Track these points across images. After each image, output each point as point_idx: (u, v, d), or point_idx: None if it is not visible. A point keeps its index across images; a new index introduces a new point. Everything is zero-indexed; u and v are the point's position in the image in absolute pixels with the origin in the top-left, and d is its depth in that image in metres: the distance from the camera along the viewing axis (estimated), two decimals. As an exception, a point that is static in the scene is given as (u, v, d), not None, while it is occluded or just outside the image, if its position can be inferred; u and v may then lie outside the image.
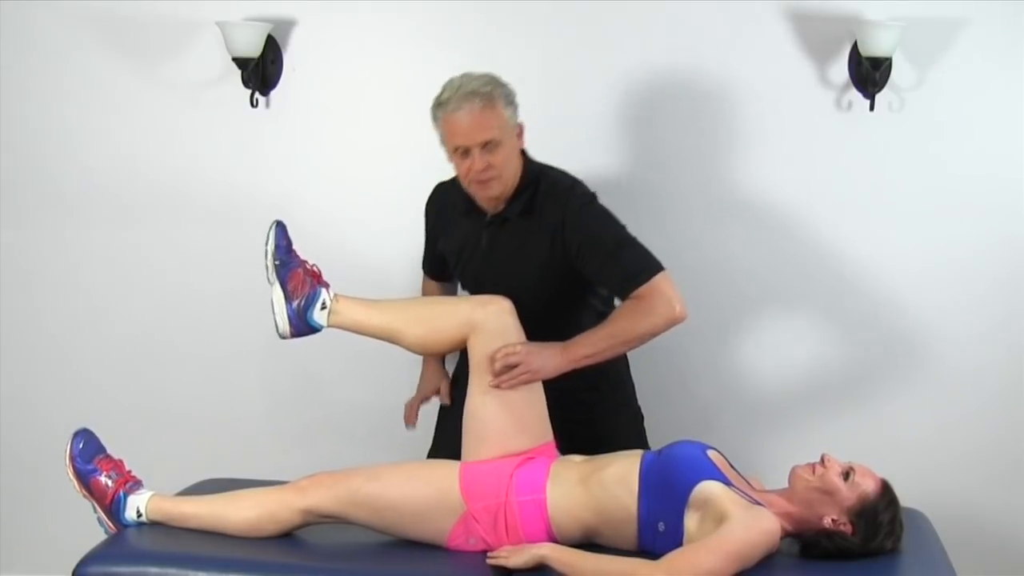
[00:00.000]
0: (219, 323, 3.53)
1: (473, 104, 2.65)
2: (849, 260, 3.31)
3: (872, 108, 3.20)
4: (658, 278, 2.66)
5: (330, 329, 2.71)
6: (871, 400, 3.34)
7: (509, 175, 2.74)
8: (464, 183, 2.76)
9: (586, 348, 2.68)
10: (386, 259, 3.32)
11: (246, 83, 3.37)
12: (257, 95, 3.39)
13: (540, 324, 2.73)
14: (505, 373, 2.62)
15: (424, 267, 3.14)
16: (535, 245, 2.78)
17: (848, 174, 3.29)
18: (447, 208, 2.94)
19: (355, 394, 3.49)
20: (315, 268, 2.73)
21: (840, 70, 3.24)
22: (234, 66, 3.32)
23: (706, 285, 3.31)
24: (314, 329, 2.71)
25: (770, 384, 3.38)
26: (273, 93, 3.42)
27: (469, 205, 2.84)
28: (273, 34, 3.35)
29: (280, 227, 2.71)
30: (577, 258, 2.73)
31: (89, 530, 2.66)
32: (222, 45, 3.29)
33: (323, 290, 2.70)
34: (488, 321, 2.66)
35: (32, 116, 3.51)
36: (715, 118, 3.30)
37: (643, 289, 2.65)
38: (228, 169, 3.47)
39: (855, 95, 3.23)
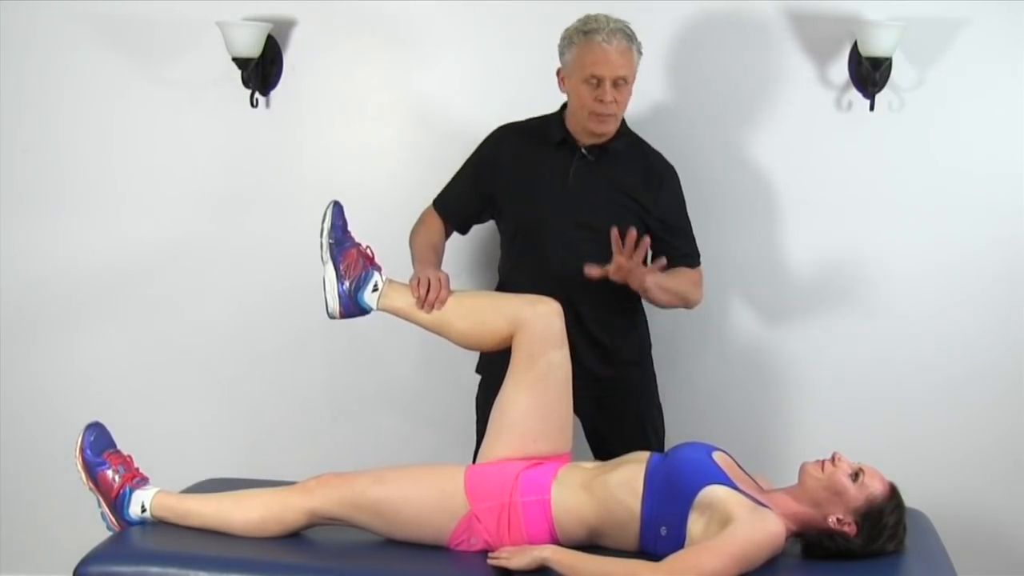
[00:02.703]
0: (219, 321, 3.53)
1: (622, 41, 2.80)
2: (849, 260, 3.31)
3: (872, 108, 3.21)
4: (700, 268, 3.02)
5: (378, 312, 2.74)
6: (871, 400, 3.34)
7: (621, 115, 2.90)
8: (581, 113, 2.85)
9: (666, 280, 2.84)
10: (386, 260, 3.32)
11: (246, 83, 3.37)
12: (257, 95, 3.39)
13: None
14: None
15: (438, 203, 3.06)
16: (630, 182, 2.92)
17: (848, 174, 3.29)
18: (526, 143, 2.98)
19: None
20: (369, 250, 2.75)
21: (840, 70, 3.24)
22: (234, 66, 3.32)
23: (704, 285, 3.32)
24: (363, 310, 2.73)
25: (770, 384, 3.39)
26: (273, 93, 3.42)
27: (565, 136, 2.93)
28: (273, 34, 3.35)
29: (337, 207, 2.72)
30: (659, 212, 2.93)
31: (89, 530, 2.65)
32: (222, 45, 3.28)
33: (375, 272, 2.73)
34: (536, 320, 2.66)
35: (32, 116, 3.50)
36: (715, 118, 3.31)
37: (690, 272, 2.97)
38: (228, 169, 3.47)
39: (855, 95, 3.24)
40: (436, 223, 3.04)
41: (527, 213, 2.94)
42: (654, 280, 2.77)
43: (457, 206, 3.04)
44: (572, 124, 2.92)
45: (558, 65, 2.90)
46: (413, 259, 2.90)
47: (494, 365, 2.89)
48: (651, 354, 3.09)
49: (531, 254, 2.96)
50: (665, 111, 3.30)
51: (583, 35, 2.81)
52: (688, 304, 2.98)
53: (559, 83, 2.91)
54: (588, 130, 2.87)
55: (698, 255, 3.01)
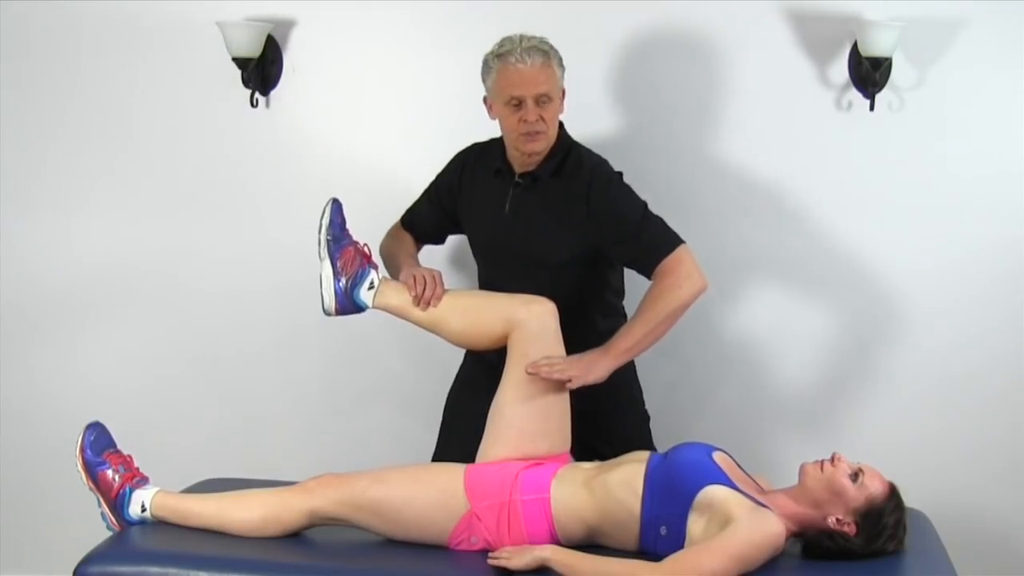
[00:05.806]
0: (217, 319, 3.53)
1: (535, 58, 2.72)
2: (849, 260, 3.30)
3: (872, 108, 3.21)
4: (680, 251, 2.74)
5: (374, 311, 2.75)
6: (871, 400, 3.34)
7: (553, 133, 2.79)
8: (511, 137, 2.79)
9: (627, 341, 2.71)
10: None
11: (246, 83, 3.37)
12: (257, 95, 3.39)
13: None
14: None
15: (404, 218, 3.05)
16: (560, 209, 2.80)
17: (848, 174, 3.29)
18: (479, 168, 2.94)
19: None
20: (366, 249, 2.76)
21: (840, 70, 3.24)
22: (234, 66, 3.32)
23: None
24: (359, 308, 2.75)
25: (770, 383, 3.38)
26: (273, 93, 3.42)
27: (501, 164, 2.87)
28: (273, 34, 3.35)
29: (336, 204, 2.74)
30: (600, 234, 2.77)
31: (89, 530, 2.66)
32: (222, 45, 3.29)
33: (372, 271, 2.74)
34: (530, 320, 2.66)
35: (31, 115, 3.50)
36: (715, 118, 3.30)
37: (666, 263, 2.72)
38: (228, 169, 3.47)
39: (855, 95, 3.23)
40: (405, 235, 3.04)
41: (475, 239, 2.96)
42: (612, 361, 2.67)
43: (419, 221, 3.04)
44: (508, 150, 2.85)
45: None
46: (386, 265, 2.92)
47: (468, 366, 2.94)
48: (634, 366, 2.98)
49: (489, 275, 2.97)
50: (665, 111, 3.29)
51: (498, 58, 2.74)
52: (688, 304, 2.72)
53: (488, 111, 2.82)
54: (521, 151, 2.78)
55: (668, 239, 2.75)
